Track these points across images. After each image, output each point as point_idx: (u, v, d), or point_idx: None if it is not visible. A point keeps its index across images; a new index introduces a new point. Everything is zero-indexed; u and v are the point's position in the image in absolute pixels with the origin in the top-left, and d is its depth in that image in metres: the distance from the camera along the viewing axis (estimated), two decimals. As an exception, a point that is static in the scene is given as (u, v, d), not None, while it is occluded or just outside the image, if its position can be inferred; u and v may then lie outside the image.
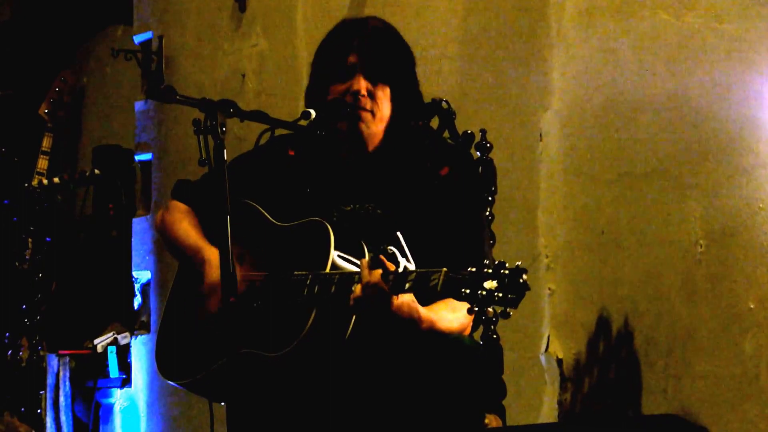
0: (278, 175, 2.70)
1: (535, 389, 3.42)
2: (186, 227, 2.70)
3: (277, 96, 4.35)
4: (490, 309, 2.17)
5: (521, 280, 2.14)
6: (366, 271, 2.36)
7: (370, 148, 2.66)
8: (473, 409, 2.43)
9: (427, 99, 2.95)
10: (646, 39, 3.18)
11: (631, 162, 3.22)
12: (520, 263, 2.16)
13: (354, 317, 2.42)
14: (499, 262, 2.16)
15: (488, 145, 2.90)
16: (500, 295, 2.14)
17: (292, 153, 2.72)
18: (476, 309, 2.17)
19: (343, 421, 2.50)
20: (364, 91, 2.60)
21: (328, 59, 2.65)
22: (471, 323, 2.60)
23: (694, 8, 3.08)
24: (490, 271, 2.16)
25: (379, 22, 2.73)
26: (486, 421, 2.58)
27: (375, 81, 2.61)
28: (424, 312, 2.42)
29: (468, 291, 2.17)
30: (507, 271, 2.15)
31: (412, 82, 2.69)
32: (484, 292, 2.15)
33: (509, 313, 2.15)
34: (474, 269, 2.18)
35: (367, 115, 2.60)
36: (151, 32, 4.96)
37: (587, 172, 3.33)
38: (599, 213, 3.30)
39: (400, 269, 2.34)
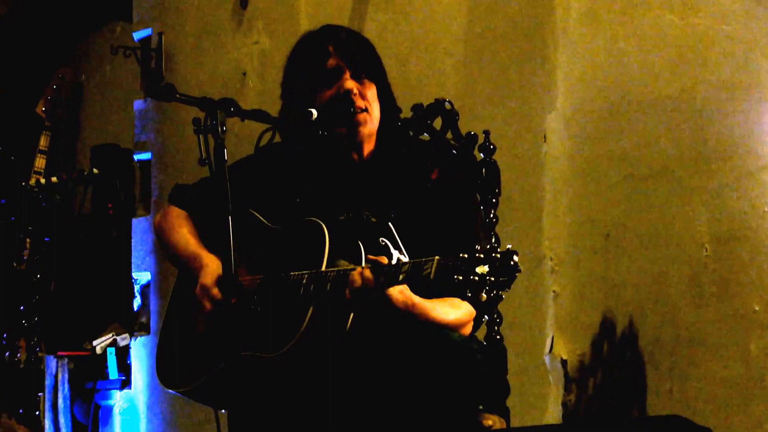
0: (273, 184, 2.68)
1: (539, 390, 3.40)
2: (183, 234, 2.70)
3: (278, 95, 4.32)
4: (483, 294, 2.17)
5: (512, 262, 2.15)
6: (360, 270, 2.35)
7: (366, 153, 2.65)
8: (466, 405, 2.43)
9: (430, 99, 2.93)
10: (651, 40, 3.17)
11: (635, 164, 3.21)
12: (510, 246, 2.17)
13: (351, 315, 2.42)
14: (491, 246, 2.18)
15: (492, 146, 2.87)
16: (492, 278, 2.15)
17: (284, 162, 2.70)
18: (470, 294, 2.18)
19: (342, 418, 2.49)
20: (356, 90, 2.58)
21: (306, 70, 2.62)
22: (471, 322, 2.58)
23: (699, 10, 3.06)
24: (482, 256, 2.17)
25: (342, 27, 2.72)
26: (490, 422, 2.58)
27: (361, 79, 2.61)
28: (419, 300, 2.43)
29: (461, 277, 2.18)
30: (498, 255, 2.16)
31: (387, 79, 2.68)
32: (476, 278, 2.16)
33: (502, 296, 2.16)
34: (466, 255, 2.18)
35: (364, 115, 2.59)
36: (150, 29, 4.93)
37: (592, 173, 3.31)
38: (604, 215, 3.28)
39: (393, 261, 2.34)
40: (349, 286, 2.36)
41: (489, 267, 2.15)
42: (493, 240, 2.80)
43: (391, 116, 2.68)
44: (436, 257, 2.24)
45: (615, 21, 3.26)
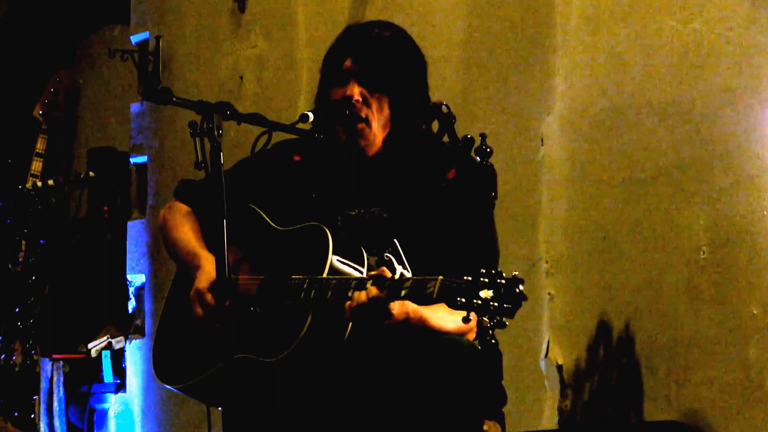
0: (283, 179, 2.68)
1: (535, 396, 3.39)
2: (185, 231, 2.70)
3: (275, 98, 4.33)
4: (485, 318, 2.15)
5: (518, 290, 2.13)
6: (361, 287, 2.35)
7: (370, 152, 2.64)
8: (471, 411, 2.42)
9: (428, 102, 2.92)
10: (651, 44, 3.16)
11: (634, 167, 3.20)
12: (517, 273, 2.14)
13: (350, 324, 2.41)
14: (497, 271, 2.16)
15: (488, 149, 2.86)
16: (496, 304, 2.13)
17: (297, 158, 2.70)
18: (471, 318, 2.16)
19: (339, 425, 2.48)
20: (357, 96, 2.58)
21: (328, 63, 2.65)
22: (474, 328, 2.57)
23: (700, 14, 3.06)
24: (487, 280, 2.15)
25: (385, 29, 2.69)
26: (485, 427, 2.56)
27: (370, 89, 2.59)
28: (414, 307, 2.42)
29: (463, 300, 2.16)
30: (503, 281, 2.14)
31: (416, 91, 2.64)
32: (479, 302, 2.14)
33: (505, 323, 2.14)
34: (470, 278, 2.16)
35: (362, 125, 2.58)
36: (148, 32, 4.93)
37: (589, 177, 3.31)
38: (601, 218, 3.27)
39: (397, 276, 2.33)
40: (351, 298, 2.35)
41: (493, 292, 2.13)
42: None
43: (409, 123, 2.63)
44: (440, 277, 2.23)
45: (615, 25, 3.25)
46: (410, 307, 2.41)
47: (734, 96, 2.98)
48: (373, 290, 2.33)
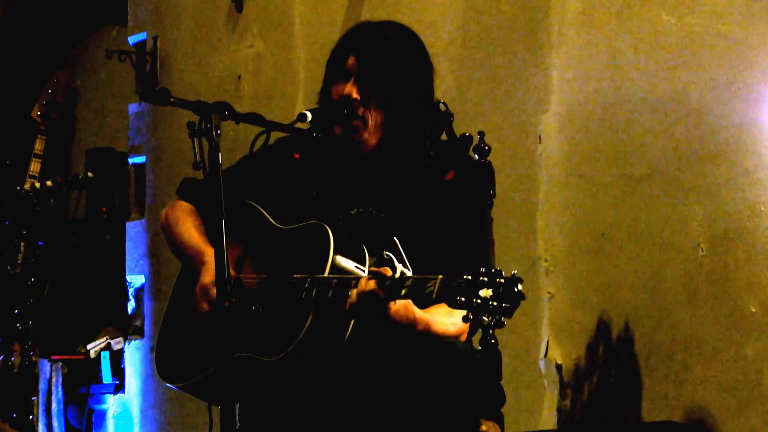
0: (284, 177, 2.68)
1: (534, 396, 3.39)
2: (188, 228, 2.70)
3: (273, 98, 4.33)
4: (485, 317, 2.15)
5: (516, 290, 2.13)
6: (363, 280, 2.35)
7: (366, 150, 2.64)
8: (468, 414, 2.43)
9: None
10: (647, 40, 3.16)
11: (631, 164, 3.20)
12: (515, 272, 2.15)
13: (352, 323, 2.41)
14: (496, 270, 2.16)
15: (486, 147, 2.86)
16: (495, 303, 2.13)
17: (297, 156, 2.70)
18: (471, 317, 2.16)
19: (340, 424, 2.48)
20: (355, 95, 2.58)
21: (332, 59, 2.65)
22: (468, 329, 2.58)
23: (695, 9, 3.06)
24: (486, 279, 2.15)
25: (391, 30, 2.69)
26: (484, 428, 2.56)
27: (370, 88, 2.59)
28: (420, 314, 2.42)
29: (463, 299, 2.17)
30: (503, 280, 2.15)
31: (417, 93, 2.64)
32: (479, 300, 2.15)
33: (503, 322, 2.15)
34: (470, 277, 2.17)
35: (357, 123, 2.58)
36: (145, 33, 4.94)
37: (587, 174, 3.31)
38: (599, 216, 3.27)
39: (397, 275, 2.33)
40: (351, 296, 2.36)
41: (492, 291, 2.14)
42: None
43: (410, 126, 2.63)
44: (440, 276, 2.24)
45: (610, 21, 3.25)
46: (417, 313, 2.41)
47: (730, 91, 2.98)
48: (374, 288, 2.33)
